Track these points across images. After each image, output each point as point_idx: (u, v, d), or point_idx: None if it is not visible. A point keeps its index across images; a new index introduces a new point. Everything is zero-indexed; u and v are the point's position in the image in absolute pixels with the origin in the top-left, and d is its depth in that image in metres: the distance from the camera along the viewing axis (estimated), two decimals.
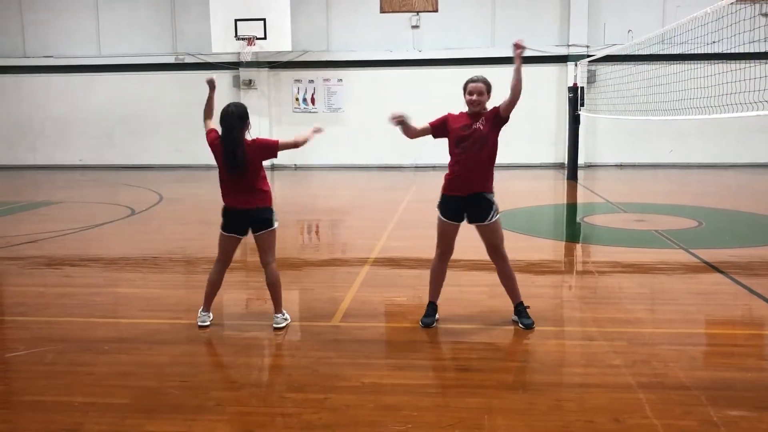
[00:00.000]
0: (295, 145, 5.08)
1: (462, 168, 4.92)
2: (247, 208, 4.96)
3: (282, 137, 5.31)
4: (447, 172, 5.07)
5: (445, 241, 5.12)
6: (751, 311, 5.65)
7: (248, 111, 5.00)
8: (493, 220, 4.97)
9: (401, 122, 4.95)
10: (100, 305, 5.95)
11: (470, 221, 5.03)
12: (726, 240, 8.70)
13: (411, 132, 5.06)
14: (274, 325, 5.10)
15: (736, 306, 5.74)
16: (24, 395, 4.06)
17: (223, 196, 5.07)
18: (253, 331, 5.13)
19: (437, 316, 5.24)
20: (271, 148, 5.02)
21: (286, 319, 5.17)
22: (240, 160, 4.83)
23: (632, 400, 3.82)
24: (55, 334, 5.10)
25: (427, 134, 5.10)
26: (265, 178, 5.08)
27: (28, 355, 4.66)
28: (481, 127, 4.88)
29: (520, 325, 5.03)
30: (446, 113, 5.11)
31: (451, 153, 5.01)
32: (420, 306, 5.87)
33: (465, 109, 5.02)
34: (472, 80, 4.96)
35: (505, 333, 4.99)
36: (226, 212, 5.05)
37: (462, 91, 5.01)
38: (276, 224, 5.07)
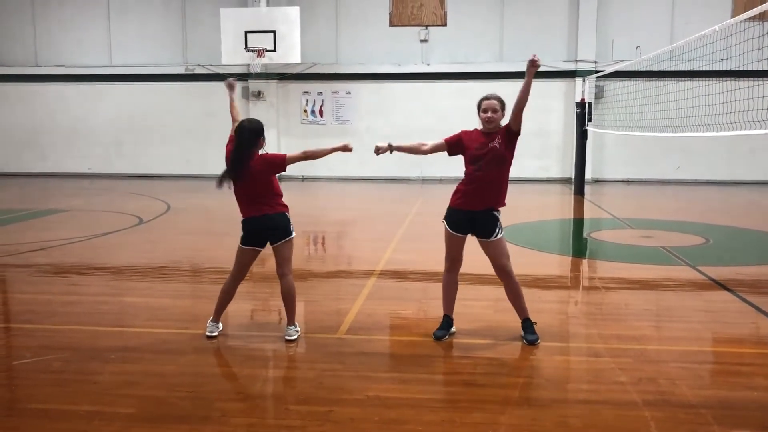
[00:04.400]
0: (306, 157, 5.04)
1: (476, 186, 4.94)
2: (260, 215, 4.98)
3: (291, 151, 5.32)
4: (458, 186, 5.08)
5: (453, 252, 5.13)
6: (758, 330, 5.63)
7: (263, 127, 5.05)
8: (498, 237, 4.99)
9: (390, 149, 5.10)
10: (106, 314, 5.98)
11: (475, 235, 5.06)
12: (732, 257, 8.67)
13: (415, 149, 5.14)
14: (286, 337, 5.11)
15: (743, 324, 5.72)
16: (30, 403, 4.07)
17: (240, 209, 5.09)
18: (259, 342, 5.14)
19: (453, 329, 5.23)
20: (277, 164, 5.01)
21: (297, 332, 5.18)
22: (240, 171, 4.89)
23: (638, 417, 3.80)
24: (61, 342, 5.12)
25: (442, 150, 5.10)
26: (277, 189, 5.08)
27: (35, 363, 4.68)
28: (497, 146, 4.88)
29: (525, 341, 5.03)
30: (461, 131, 5.10)
31: (466, 170, 5.02)
32: (425, 319, 5.88)
33: (478, 125, 5.04)
34: (485, 98, 4.97)
35: (511, 348, 4.98)
36: (245, 223, 5.06)
37: (477, 109, 5.02)
38: (293, 234, 5.10)
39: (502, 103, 4.97)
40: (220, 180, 4.99)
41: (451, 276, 5.22)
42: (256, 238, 5.06)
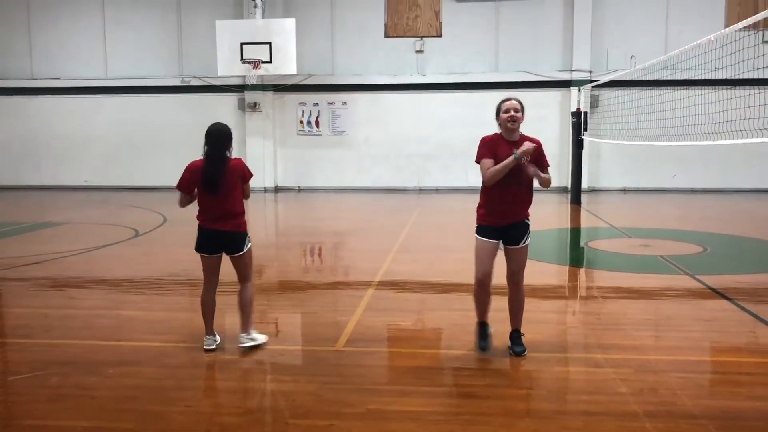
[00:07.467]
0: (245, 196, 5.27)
1: (502, 201, 4.86)
2: (220, 229, 5.05)
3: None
4: (481, 201, 4.97)
5: (484, 261, 4.92)
6: (757, 338, 5.62)
7: (232, 132, 5.19)
8: (526, 243, 4.95)
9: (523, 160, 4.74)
10: (104, 328, 5.94)
11: (504, 242, 4.96)
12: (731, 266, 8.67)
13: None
14: (240, 345, 5.12)
15: (742, 333, 5.71)
16: (27, 419, 4.04)
17: (199, 217, 5.14)
18: (257, 355, 5.11)
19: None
20: (249, 175, 5.22)
21: (252, 340, 5.19)
22: (218, 176, 4.98)
23: (639, 428, 3.78)
24: (58, 356, 5.08)
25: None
26: (242, 202, 5.19)
27: (31, 378, 4.63)
28: (525, 163, 4.76)
29: (511, 352, 4.99)
30: (479, 139, 4.94)
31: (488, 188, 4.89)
32: (425, 331, 5.86)
33: (497, 129, 4.95)
34: (506, 99, 4.91)
35: (510, 359, 4.95)
36: (201, 232, 5.12)
37: (496, 115, 4.92)
38: (247, 246, 5.16)
39: (522, 105, 4.89)
40: (209, 185, 5.00)
41: (484, 289, 5.00)
42: (211, 248, 5.11)
